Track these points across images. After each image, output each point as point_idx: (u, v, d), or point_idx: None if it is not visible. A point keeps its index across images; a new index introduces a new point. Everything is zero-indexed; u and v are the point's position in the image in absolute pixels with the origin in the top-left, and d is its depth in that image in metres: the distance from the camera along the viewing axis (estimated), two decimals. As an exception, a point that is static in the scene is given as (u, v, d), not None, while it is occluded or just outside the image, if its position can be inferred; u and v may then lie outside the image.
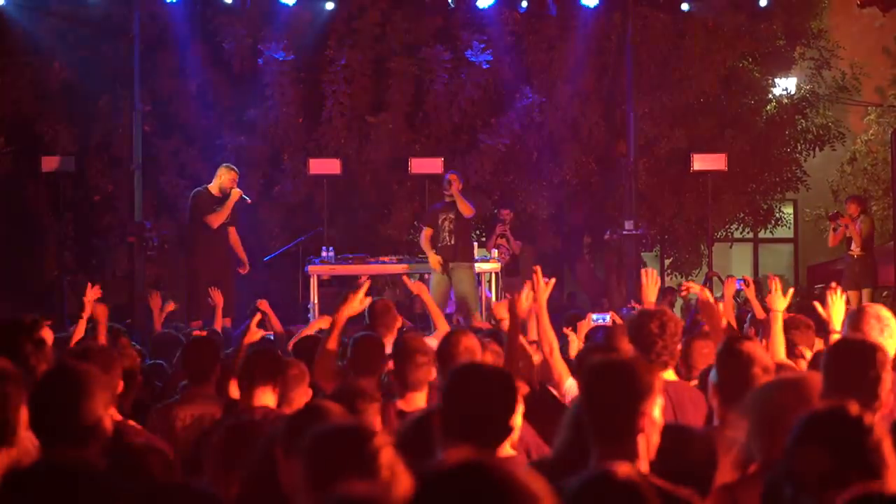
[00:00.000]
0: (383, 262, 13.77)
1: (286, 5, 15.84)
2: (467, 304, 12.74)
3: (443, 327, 7.72)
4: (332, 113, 16.25)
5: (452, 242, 12.92)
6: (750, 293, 8.26)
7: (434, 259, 12.84)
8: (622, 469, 2.60)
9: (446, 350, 5.38)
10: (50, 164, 14.43)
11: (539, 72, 16.81)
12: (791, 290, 6.27)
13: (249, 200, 12.91)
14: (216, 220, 12.55)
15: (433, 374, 5.42)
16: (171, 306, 10.40)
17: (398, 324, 7.54)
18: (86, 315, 7.49)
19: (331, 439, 2.91)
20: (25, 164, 15.60)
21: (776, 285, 6.13)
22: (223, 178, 12.69)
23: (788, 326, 6.29)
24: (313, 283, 13.35)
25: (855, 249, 14.05)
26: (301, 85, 16.45)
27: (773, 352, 5.56)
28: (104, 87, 16.32)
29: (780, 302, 6.03)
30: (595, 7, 15.94)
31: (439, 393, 3.71)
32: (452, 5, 16.10)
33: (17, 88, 16.05)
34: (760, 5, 16.27)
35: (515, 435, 3.80)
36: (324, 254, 13.63)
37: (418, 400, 5.38)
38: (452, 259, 12.91)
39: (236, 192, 12.62)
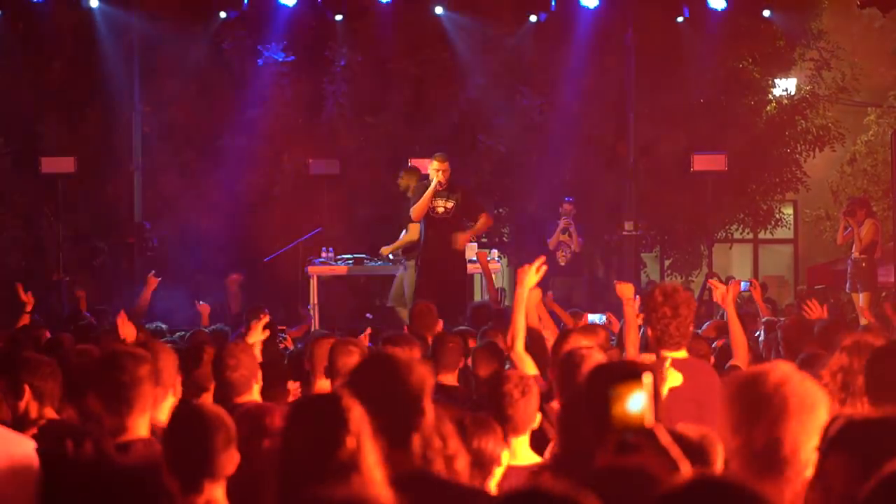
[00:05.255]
0: (382, 263, 13.76)
1: (286, 6, 15.84)
2: None
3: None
4: (332, 113, 16.24)
5: None
6: (756, 294, 8.27)
7: None
8: None
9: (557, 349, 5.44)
10: (50, 164, 14.42)
11: (539, 73, 16.79)
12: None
13: (440, 187, 11.44)
14: (415, 212, 11.50)
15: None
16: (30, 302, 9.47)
17: (439, 325, 7.53)
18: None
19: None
20: (25, 164, 15.59)
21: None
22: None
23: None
24: (313, 283, 13.34)
25: (855, 252, 14.11)
26: (301, 85, 16.44)
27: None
28: (104, 88, 16.31)
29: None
30: (595, 7, 15.94)
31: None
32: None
33: (17, 88, 16.04)
34: (764, 15, 16.52)
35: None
36: (324, 254, 13.61)
37: None
38: None
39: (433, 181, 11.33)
